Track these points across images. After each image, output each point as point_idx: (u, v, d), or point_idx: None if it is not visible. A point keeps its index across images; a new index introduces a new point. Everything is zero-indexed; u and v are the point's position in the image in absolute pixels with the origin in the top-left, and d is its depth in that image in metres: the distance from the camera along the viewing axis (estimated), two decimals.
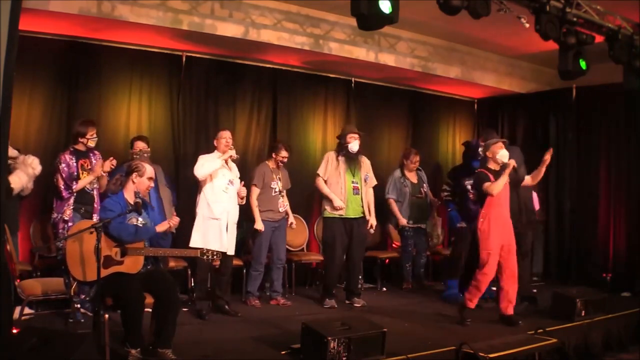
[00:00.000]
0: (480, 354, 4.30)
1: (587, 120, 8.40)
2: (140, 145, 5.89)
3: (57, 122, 6.29)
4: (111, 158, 5.47)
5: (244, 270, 6.65)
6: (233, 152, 5.76)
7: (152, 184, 4.47)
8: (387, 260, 7.96)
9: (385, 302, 6.71)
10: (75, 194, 5.31)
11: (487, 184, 5.47)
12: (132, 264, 4.10)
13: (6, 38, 3.40)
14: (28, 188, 5.27)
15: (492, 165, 5.59)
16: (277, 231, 6.39)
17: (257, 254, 6.30)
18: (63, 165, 5.29)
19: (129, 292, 3.95)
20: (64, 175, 5.27)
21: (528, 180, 5.99)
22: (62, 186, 5.26)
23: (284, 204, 6.41)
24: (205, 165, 5.69)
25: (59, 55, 6.29)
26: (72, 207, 5.29)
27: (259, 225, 6.23)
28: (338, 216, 6.37)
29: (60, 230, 5.24)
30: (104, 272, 3.93)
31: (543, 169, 5.87)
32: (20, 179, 5.04)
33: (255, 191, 6.30)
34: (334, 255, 6.41)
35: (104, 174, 5.45)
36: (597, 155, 8.32)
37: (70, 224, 5.15)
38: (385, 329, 4.36)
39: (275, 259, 6.40)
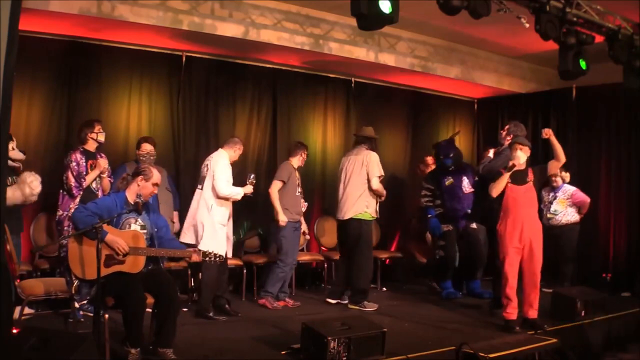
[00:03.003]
0: (480, 354, 4.30)
1: (587, 120, 8.40)
2: (147, 147, 5.90)
3: (57, 122, 6.30)
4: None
5: (244, 270, 6.66)
6: (250, 189, 5.80)
7: (156, 191, 4.46)
8: (387, 260, 7.97)
9: (385, 302, 6.70)
10: (82, 192, 5.35)
11: (490, 185, 5.35)
12: (133, 264, 4.10)
13: (6, 38, 3.39)
14: (30, 201, 4.98)
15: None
16: (296, 232, 6.42)
17: (287, 254, 6.25)
18: (74, 163, 5.34)
19: (132, 291, 3.95)
20: (74, 173, 5.32)
21: (553, 164, 5.46)
22: (72, 183, 5.31)
23: (304, 204, 6.47)
24: (233, 192, 5.69)
25: (59, 55, 6.30)
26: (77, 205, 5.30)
27: (282, 217, 6.15)
28: (373, 218, 6.42)
29: (66, 228, 5.28)
30: (105, 271, 3.93)
31: (556, 147, 5.39)
32: (14, 195, 4.77)
33: (277, 185, 6.24)
34: (371, 255, 6.49)
35: (105, 176, 5.47)
36: (597, 155, 8.32)
37: None
38: (385, 329, 4.36)
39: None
